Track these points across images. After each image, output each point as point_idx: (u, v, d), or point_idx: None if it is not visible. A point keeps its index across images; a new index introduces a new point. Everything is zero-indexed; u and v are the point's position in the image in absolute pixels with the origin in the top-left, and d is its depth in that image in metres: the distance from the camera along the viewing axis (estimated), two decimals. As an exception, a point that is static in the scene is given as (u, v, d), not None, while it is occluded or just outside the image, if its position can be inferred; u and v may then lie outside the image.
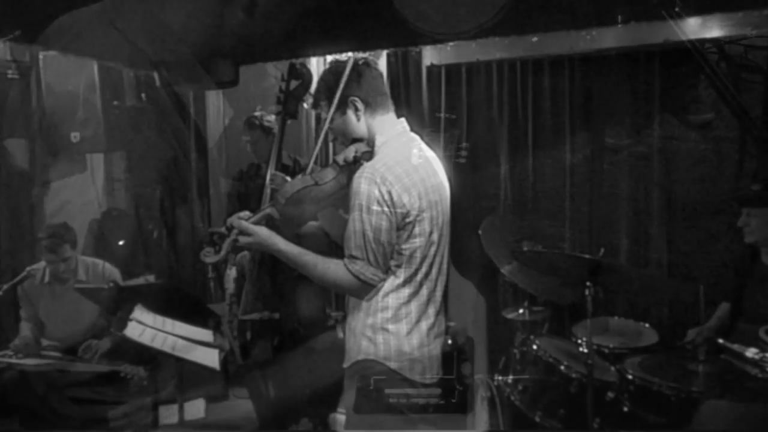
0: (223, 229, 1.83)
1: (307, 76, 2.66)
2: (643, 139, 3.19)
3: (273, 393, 2.57)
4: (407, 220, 1.72)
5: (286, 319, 2.61)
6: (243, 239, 1.80)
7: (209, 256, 1.84)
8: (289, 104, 2.69)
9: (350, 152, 1.78)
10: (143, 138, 2.94)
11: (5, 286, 2.83)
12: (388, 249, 1.72)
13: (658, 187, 3.16)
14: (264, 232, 1.79)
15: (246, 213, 1.84)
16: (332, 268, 1.75)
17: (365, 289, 1.74)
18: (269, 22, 1.03)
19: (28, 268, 2.99)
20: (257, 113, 3.25)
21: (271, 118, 3.17)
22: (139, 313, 2.21)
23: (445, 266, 1.88)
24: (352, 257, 1.72)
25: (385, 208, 1.69)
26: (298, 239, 1.88)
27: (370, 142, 1.81)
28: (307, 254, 1.78)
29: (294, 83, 2.68)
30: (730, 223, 2.97)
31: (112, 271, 3.11)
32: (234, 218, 1.83)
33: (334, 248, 1.92)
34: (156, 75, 0.95)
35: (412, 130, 1.90)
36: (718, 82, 3.00)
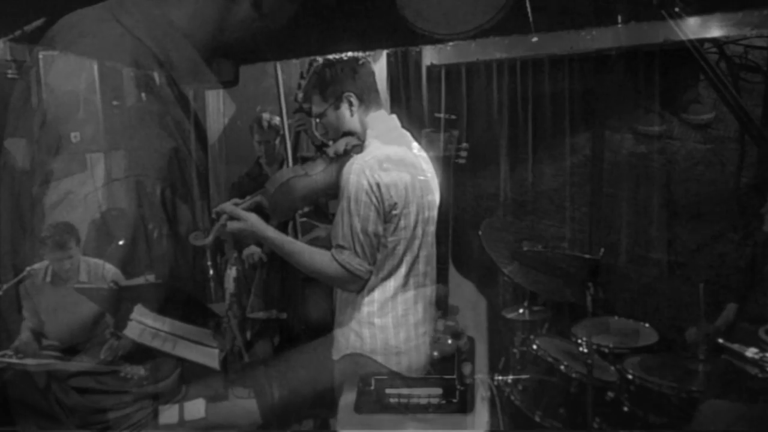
0: (213, 215, 1.83)
1: None
2: (643, 139, 3.20)
3: (277, 393, 2.57)
4: (394, 212, 1.75)
5: (293, 320, 2.61)
6: (232, 225, 1.78)
7: (198, 239, 1.82)
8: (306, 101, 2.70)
9: (341, 145, 1.81)
10: (144, 135, 2.94)
11: (5, 286, 2.83)
12: (374, 240, 1.75)
13: (658, 187, 3.16)
14: (253, 218, 1.79)
15: (235, 200, 1.84)
16: (319, 258, 1.78)
17: (351, 279, 1.77)
18: (271, 20, 1.03)
19: (28, 268, 2.98)
20: (265, 115, 3.28)
21: (277, 119, 3.22)
22: (139, 313, 2.22)
23: (434, 262, 1.90)
24: (339, 247, 1.75)
25: (374, 199, 1.72)
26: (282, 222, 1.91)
27: (361, 137, 1.84)
28: (294, 242, 1.82)
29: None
30: (734, 222, 2.98)
31: (115, 273, 3.11)
32: (224, 204, 1.82)
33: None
34: (156, 75, 0.95)
35: (404, 127, 1.93)
36: (718, 82, 3.00)
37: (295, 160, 2.71)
